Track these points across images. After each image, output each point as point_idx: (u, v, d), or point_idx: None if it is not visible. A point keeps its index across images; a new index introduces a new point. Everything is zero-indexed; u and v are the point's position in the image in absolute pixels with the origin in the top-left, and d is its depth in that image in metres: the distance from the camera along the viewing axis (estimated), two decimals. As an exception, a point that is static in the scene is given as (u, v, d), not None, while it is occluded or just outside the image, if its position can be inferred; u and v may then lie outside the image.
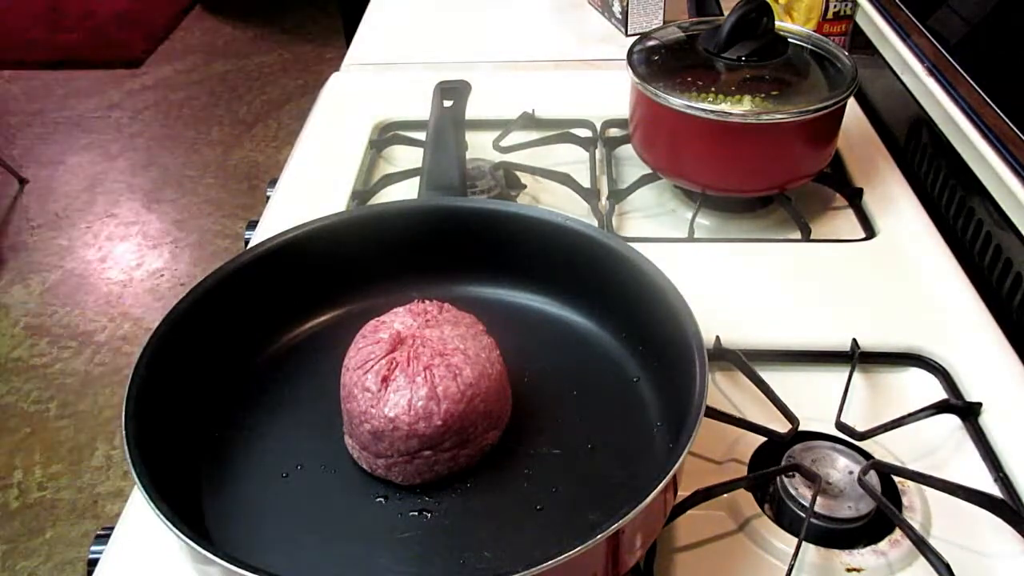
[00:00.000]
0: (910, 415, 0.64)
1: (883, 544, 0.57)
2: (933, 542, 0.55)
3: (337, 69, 1.19)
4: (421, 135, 0.84)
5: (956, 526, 0.59)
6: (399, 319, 0.58)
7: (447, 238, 0.69)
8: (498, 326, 0.61)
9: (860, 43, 1.10)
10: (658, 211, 0.91)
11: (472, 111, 0.84)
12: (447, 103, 0.84)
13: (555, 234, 0.67)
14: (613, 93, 0.96)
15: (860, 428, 0.63)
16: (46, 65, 3.44)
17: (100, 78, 3.36)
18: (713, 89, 0.82)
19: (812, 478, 0.59)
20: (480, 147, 0.95)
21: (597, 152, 0.97)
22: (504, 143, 0.96)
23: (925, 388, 0.69)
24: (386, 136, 1.02)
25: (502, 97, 1.04)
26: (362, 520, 0.54)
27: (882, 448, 0.64)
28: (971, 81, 0.82)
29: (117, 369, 2.10)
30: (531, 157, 0.95)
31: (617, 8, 1.22)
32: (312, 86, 3.17)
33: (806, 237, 0.85)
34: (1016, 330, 0.73)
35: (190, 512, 0.54)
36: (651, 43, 0.90)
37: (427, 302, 0.60)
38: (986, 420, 0.65)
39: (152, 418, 0.52)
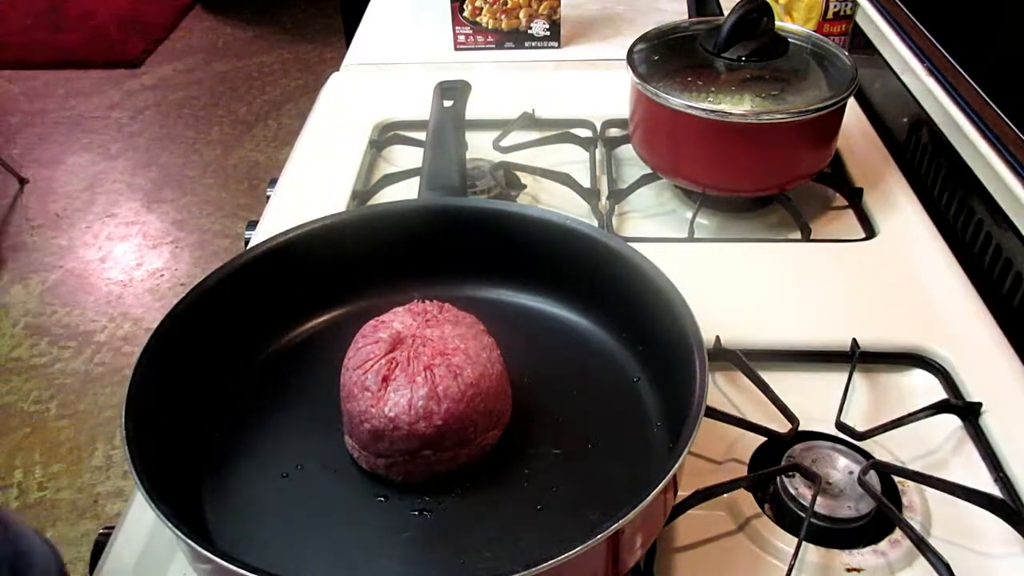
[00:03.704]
0: (910, 415, 0.64)
1: (883, 544, 0.57)
2: (933, 542, 0.55)
3: (337, 69, 1.19)
4: (421, 135, 0.84)
5: (956, 526, 0.59)
6: (399, 319, 0.58)
7: (447, 238, 0.69)
8: (498, 326, 0.61)
9: (860, 43, 1.10)
10: (658, 211, 0.91)
11: (472, 111, 0.84)
12: (447, 103, 0.84)
13: (555, 234, 0.67)
14: (613, 93, 0.96)
15: (860, 428, 0.63)
16: (46, 65, 3.44)
17: (100, 78, 3.36)
18: (713, 89, 0.82)
19: (812, 478, 0.59)
20: (480, 147, 0.95)
21: (597, 152, 0.97)
22: (504, 143, 0.96)
23: (925, 388, 0.69)
24: (386, 136, 1.02)
25: (502, 97, 1.04)
26: (362, 520, 0.54)
27: (882, 448, 0.64)
28: (971, 81, 0.82)
29: (117, 369, 2.10)
30: (531, 157, 0.95)
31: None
32: (312, 86, 3.17)
33: (806, 237, 0.85)
34: (1016, 330, 0.73)
35: (190, 512, 0.54)
36: (651, 43, 0.90)
37: (427, 302, 0.60)
38: (986, 420, 0.65)
39: (152, 418, 0.52)
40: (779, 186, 0.86)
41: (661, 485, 0.46)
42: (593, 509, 0.54)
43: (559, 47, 1.20)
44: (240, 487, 0.57)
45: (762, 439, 0.64)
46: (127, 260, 2.46)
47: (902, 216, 0.87)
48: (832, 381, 0.68)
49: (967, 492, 0.58)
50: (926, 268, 0.80)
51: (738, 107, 0.80)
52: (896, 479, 0.61)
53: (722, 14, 1.03)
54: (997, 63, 0.81)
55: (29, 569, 0.72)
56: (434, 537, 0.53)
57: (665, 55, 0.88)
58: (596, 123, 1.01)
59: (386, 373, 0.55)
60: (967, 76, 0.83)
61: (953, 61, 0.85)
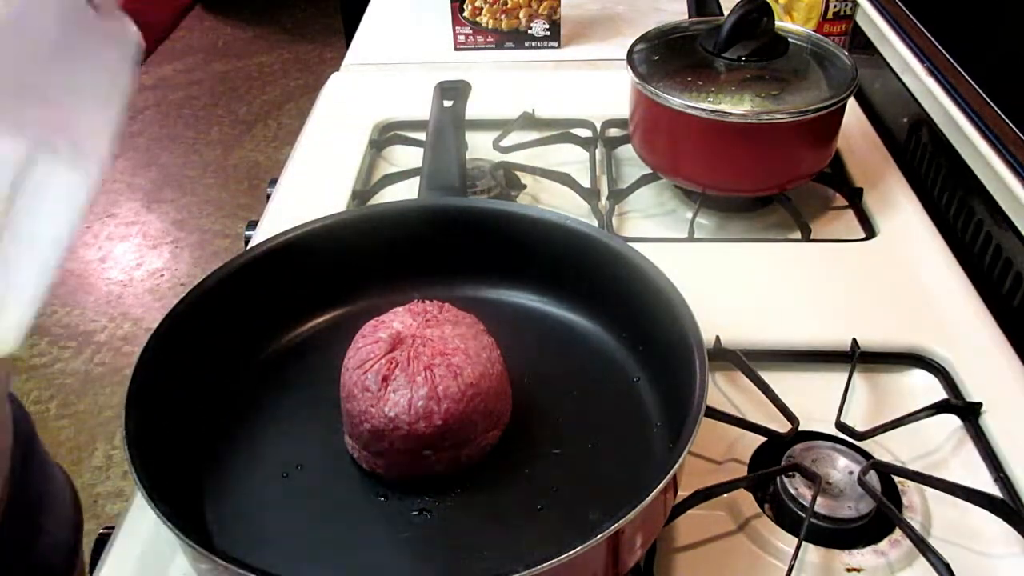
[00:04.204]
0: (910, 415, 0.64)
1: (883, 544, 0.57)
2: (933, 542, 0.55)
3: (337, 69, 1.19)
4: (421, 135, 0.84)
5: (956, 526, 0.59)
6: (399, 319, 0.58)
7: (447, 238, 0.69)
8: (498, 326, 0.61)
9: (860, 43, 1.10)
10: (658, 211, 0.91)
11: (472, 111, 0.84)
12: (447, 103, 0.84)
13: (555, 234, 0.67)
14: (613, 93, 0.96)
15: (860, 428, 0.63)
16: (46, 65, 3.43)
17: (100, 78, 3.36)
18: (713, 89, 0.82)
19: (812, 478, 0.59)
20: (480, 147, 0.95)
21: (597, 152, 0.97)
22: (504, 143, 0.96)
23: (925, 388, 0.69)
24: (386, 136, 1.02)
25: (502, 97, 1.04)
26: (362, 520, 0.54)
27: (882, 448, 0.64)
28: (971, 81, 0.82)
29: (117, 369, 2.10)
30: (531, 157, 0.95)
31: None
32: (312, 86, 3.16)
33: (806, 237, 0.85)
34: (1016, 330, 0.73)
35: (190, 512, 0.54)
36: (651, 43, 0.91)
37: (427, 302, 0.60)
38: (986, 420, 0.65)
39: (152, 418, 0.52)
40: (779, 186, 0.86)
41: (661, 485, 0.46)
42: (593, 509, 0.54)
43: (559, 47, 1.20)
44: (240, 487, 0.57)
45: (762, 439, 0.64)
46: (127, 260, 2.46)
47: (902, 216, 0.87)
48: (832, 381, 0.68)
49: (967, 492, 0.58)
50: (926, 268, 0.80)
51: (738, 107, 0.80)
52: (896, 479, 0.61)
53: (722, 14, 1.03)
54: (997, 63, 0.81)
55: (49, 509, 0.74)
56: (434, 537, 0.53)
57: (665, 55, 0.88)
58: (596, 123, 1.01)
59: (386, 373, 0.54)
60: (967, 76, 0.83)
61: (953, 61, 0.85)
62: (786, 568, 0.54)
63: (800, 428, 0.63)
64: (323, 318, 0.69)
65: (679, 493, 0.55)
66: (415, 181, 0.81)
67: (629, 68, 0.86)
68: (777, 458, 0.61)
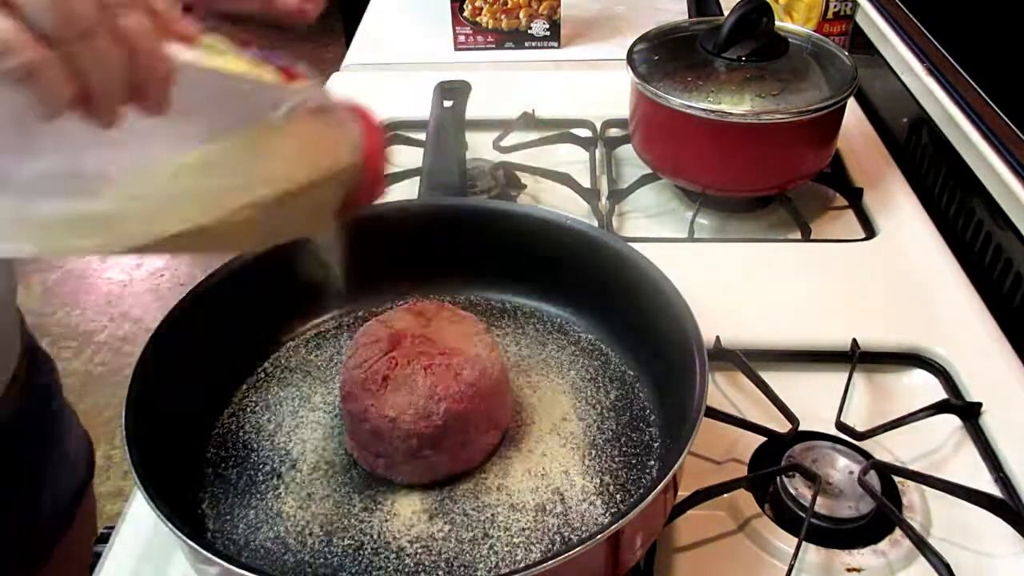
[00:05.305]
0: (910, 415, 0.64)
1: (883, 544, 0.57)
2: (933, 542, 0.55)
3: (337, 69, 1.19)
4: (421, 135, 0.84)
5: (956, 526, 0.59)
6: (399, 319, 0.58)
7: (447, 238, 0.69)
8: (498, 326, 0.61)
9: (860, 43, 1.10)
10: (658, 211, 0.91)
11: (472, 111, 0.84)
12: (447, 103, 0.84)
13: (555, 234, 0.67)
14: (613, 93, 0.96)
15: (860, 428, 0.63)
16: (46, 65, 3.43)
17: (100, 78, 3.36)
18: (713, 89, 0.82)
19: (812, 478, 0.59)
20: (480, 147, 0.95)
21: (597, 152, 0.97)
22: (504, 143, 0.96)
23: (925, 388, 0.69)
24: (386, 136, 1.01)
25: (502, 97, 1.04)
26: (362, 520, 0.54)
27: (882, 448, 0.64)
28: (971, 81, 0.82)
29: (117, 369, 2.10)
30: (531, 157, 0.95)
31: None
32: (312, 86, 3.16)
33: (806, 237, 0.85)
34: (1016, 330, 0.73)
35: (190, 512, 0.54)
36: (651, 43, 0.91)
37: (427, 302, 0.60)
38: (986, 420, 0.65)
39: (152, 418, 0.52)
40: (779, 186, 0.86)
41: (661, 485, 0.46)
42: (593, 509, 0.54)
43: (559, 47, 1.21)
44: (240, 487, 0.57)
45: (762, 439, 0.64)
46: (127, 260, 2.46)
47: (902, 216, 0.87)
48: (832, 381, 0.68)
49: (967, 492, 0.58)
50: (926, 268, 0.80)
51: (738, 107, 0.80)
52: (896, 479, 0.61)
53: (722, 14, 1.03)
54: (997, 63, 0.81)
55: (64, 455, 0.76)
56: (434, 537, 0.53)
57: (665, 55, 0.88)
58: (596, 123, 1.01)
59: (386, 373, 0.54)
60: (967, 76, 0.83)
61: (953, 61, 0.85)
62: (786, 568, 0.54)
63: (800, 428, 0.63)
64: (323, 318, 0.69)
65: (679, 493, 0.55)
66: (415, 181, 0.81)
67: (629, 68, 0.86)
68: (777, 458, 0.61)
